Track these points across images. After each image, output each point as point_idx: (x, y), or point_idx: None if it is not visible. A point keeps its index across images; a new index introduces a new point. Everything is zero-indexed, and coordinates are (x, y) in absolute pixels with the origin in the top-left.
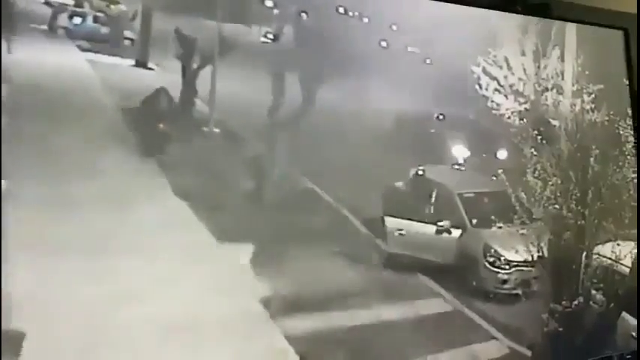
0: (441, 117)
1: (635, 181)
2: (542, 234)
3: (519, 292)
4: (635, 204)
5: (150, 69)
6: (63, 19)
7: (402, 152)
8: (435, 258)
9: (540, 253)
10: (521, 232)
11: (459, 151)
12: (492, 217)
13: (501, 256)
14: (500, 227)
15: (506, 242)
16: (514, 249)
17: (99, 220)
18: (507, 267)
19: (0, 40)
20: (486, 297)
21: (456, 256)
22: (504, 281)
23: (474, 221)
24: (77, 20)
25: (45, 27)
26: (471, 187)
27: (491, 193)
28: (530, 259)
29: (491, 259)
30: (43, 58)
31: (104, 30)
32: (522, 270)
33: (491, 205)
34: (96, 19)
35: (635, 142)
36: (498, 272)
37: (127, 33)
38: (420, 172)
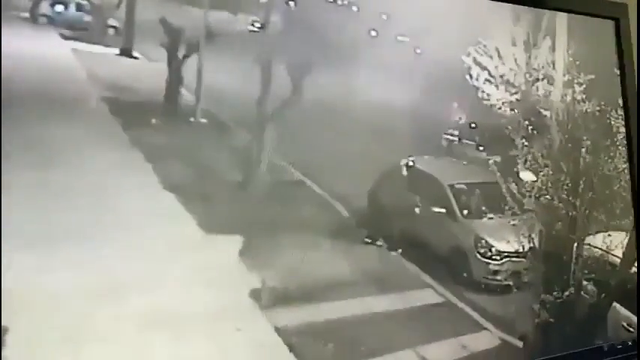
0: (473, 125)
1: (627, 171)
2: (533, 225)
3: (510, 283)
4: (627, 195)
5: (135, 58)
6: (45, 7)
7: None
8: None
9: (531, 244)
10: (513, 223)
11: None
12: (483, 208)
13: (492, 246)
14: (491, 218)
15: (497, 233)
16: (505, 240)
17: (83, 213)
18: (498, 258)
19: (0, 31)
20: (477, 288)
21: (447, 247)
22: (495, 272)
23: (465, 212)
24: (59, 8)
25: (26, 14)
26: (461, 178)
27: (482, 184)
28: (521, 250)
29: (482, 250)
30: (25, 47)
31: (87, 18)
32: (513, 261)
33: (483, 196)
34: (79, 7)
35: (626, 133)
36: (489, 263)
37: (111, 21)
38: (411, 164)
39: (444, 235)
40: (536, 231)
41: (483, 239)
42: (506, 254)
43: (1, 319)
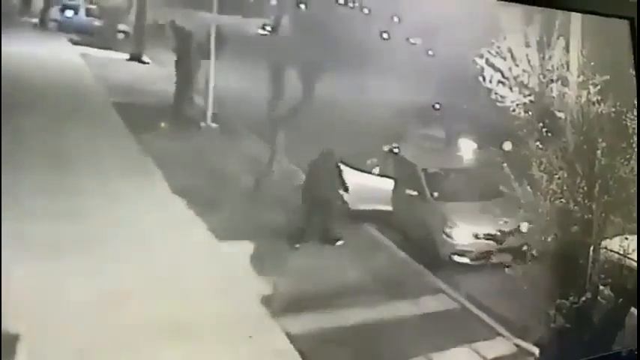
0: (437, 106)
1: None
2: (509, 209)
3: (478, 263)
4: None
5: (144, 63)
6: (55, 12)
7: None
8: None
9: (505, 228)
10: (485, 206)
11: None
12: (456, 192)
13: (460, 227)
14: (463, 201)
15: (466, 215)
16: (474, 222)
17: (95, 220)
18: (466, 238)
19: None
20: (445, 265)
21: (417, 226)
22: (462, 252)
23: (435, 194)
24: (69, 13)
25: (36, 20)
26: (438, 164)
27: (458, 170)
28: (492, 232)
29: (449, 230)
30: (35, 52)
31: (97, 23)
32: (483, 242)
33: (457, 180)
34: (88, 12)
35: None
36: (456, 243)
37: (121, 26)
38: (396, 150)
39: (415, 215)
40: (511, 215)
41: (451, 220)
42: (474, 235)
43: (1, 324)
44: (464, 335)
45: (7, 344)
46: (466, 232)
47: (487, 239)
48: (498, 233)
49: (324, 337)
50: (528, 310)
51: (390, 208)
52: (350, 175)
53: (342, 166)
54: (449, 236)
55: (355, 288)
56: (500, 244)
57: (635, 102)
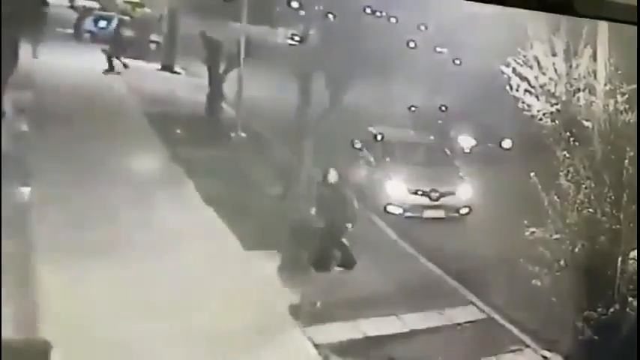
0: (443, 108)
1: None
2: (449, 176)
3: (411, 214)
4: None
5: (176, 73)
6: (88, 23)
7: None
8: None
9: (441, 189)
10: (425, 170)
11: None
12: (404, 158)
13: (394, 181)
14: (408, 165)
15: (407, 176)
16: (410, 181)
17: (125, 228)
18: (399, 191)
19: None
20: (382, 213)
21: (368, 181)
22: (396, 203)
23: (387, 159)
24: (102, 24)
25: (70, 31)
26: (400, 138)
27: (414, 143)
28: (426, 190)
29: (385, 184)
30: (69, 62)
31: (129, 33)
32: (416, 197)
33: (410, 151)
34: (121, 23)
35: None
36: (390, 195)
37: (153, 36)
38: (373, 131)
39: (368, 174)
40: (444, 177)
41: (392, 178)
42: (411, 192)
43: (0, 323)
44: (492, 347)
45: (40, 352)
46: (401, 187)
47: (420, 195)
48: (434, 193)
49: (352, 347)
50: (556, 322)
51: None
52: None
53: None
54: (384, 189)
55: (384, 298)
56: (434, 200)
57: None
